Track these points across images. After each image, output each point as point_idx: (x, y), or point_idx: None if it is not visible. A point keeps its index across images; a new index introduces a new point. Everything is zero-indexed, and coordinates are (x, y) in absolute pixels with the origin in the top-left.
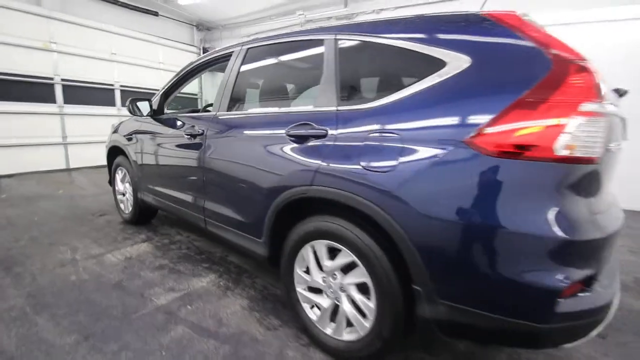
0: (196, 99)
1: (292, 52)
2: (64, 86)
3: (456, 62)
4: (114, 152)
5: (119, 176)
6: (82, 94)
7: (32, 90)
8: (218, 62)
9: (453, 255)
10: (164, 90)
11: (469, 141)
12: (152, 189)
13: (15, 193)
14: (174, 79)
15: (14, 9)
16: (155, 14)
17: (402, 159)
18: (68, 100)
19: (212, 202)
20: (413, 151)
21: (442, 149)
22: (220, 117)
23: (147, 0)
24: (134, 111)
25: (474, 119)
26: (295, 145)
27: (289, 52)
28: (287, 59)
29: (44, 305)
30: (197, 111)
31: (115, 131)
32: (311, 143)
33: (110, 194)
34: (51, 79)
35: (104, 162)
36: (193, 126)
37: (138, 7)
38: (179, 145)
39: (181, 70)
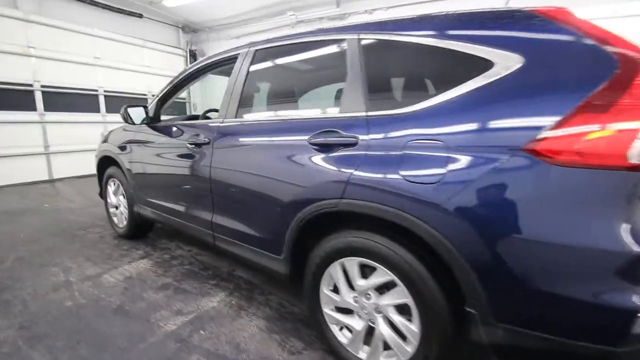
0: (184, 103)
1: (308, 54)
2: (44, 93)
3: (506, 62)
4: (105, 163)
5: (111, 188)
6: (64, 100)
7: (10, 97)
8: (221, 65)
9: (514, 274)
10: (160, 96)
11: (529, 148)
12: (151, 202)
13: None
14: (171, 84)
15: None
16: (140, 16)
17: (450, 169)
18: (49, 107)
19: (222, 216)
20: (462, 160)
21: (496, 156)
22: (228, 125)
23: (131, 2)
24: (128, 119)
25: (534, 123)
26: (320, 154)
27: (304, 54)
28: (301, 61)
29: (39, 337)
30: (197, 118)
31: (105, 140)
32: (339, 152)
33: (101, 206)
34: (30, 85)
35: (90, 171)
36: (197, 135)
37: (121, 9)
38: (181, 156)
39: (179, 75)
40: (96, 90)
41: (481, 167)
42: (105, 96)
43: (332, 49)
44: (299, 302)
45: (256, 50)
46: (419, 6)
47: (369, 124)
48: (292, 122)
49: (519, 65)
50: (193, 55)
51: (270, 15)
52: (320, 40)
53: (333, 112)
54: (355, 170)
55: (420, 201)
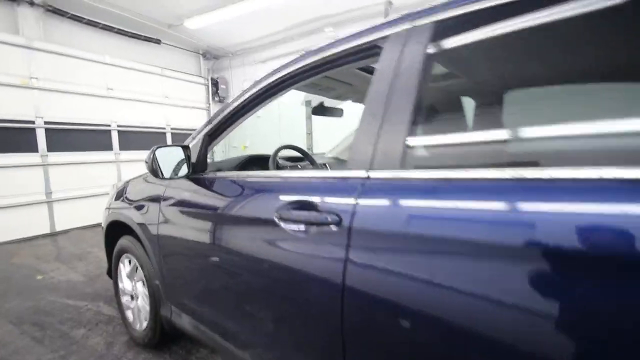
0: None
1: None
2: (47, 130)
3: None
4: (117, 229)
5: (124, 268)
6: (70, 138)
7: (6, 137)
8: (332, 65)
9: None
10: (208, 128)
11: None
12: (193, 308)
13: None
14: (228, 111)
15: None
16: (158, 42)
17: None
18: (53, 147)
19: None
20: None
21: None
22: (390, 182)
23: (149, 25)
24: (159, 171)
25: None
26: None
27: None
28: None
29: None
30: (262, 162)
31: (119, 197)
32: None
33: (110, 281)
34: (32, 122)
35: (98, 219)
36: (302, 204)
37: (137, 35)
38: (267, 242)
39: (245, 92)
40: (108, 125)
41: None
42: (119, 131)
43: None
44: None
45: (436, 22)
46: None
47: None
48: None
49: None
50: (215, 84)
51: (305, 34)
52: None
53: None
54: None
55: None
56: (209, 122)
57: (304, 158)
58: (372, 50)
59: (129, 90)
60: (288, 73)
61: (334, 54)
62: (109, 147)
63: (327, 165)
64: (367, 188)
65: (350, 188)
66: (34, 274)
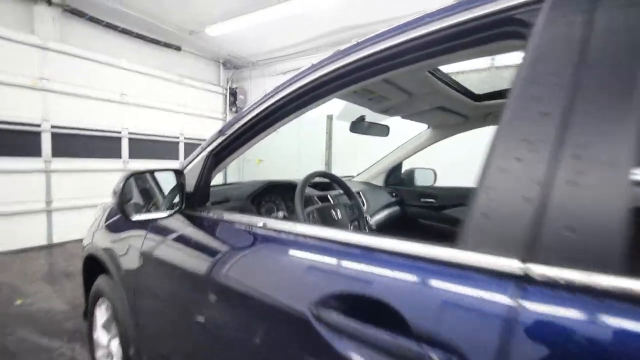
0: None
1: None
2: (54, 134)
3: None
4: (94, 265)
5: (100, 316)
6: (77, 143)
7: (9, 140)
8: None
9: None
10: (214, 145)
11: None
12: None
13: None
14: (243, 122)
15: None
16: (178, 49)
17: None
18: (58, 152)
19: None
20: None
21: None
22: (592, 292)
23: (170, 31)
24: (126, 212)
25: None
26: None
27: None
28: None
29: None
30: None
31: (108, 219)
32: None
33: None
34: (38, 125)
35: None
36: (391, 313)
37: (157, 40)
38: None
39: (265, 100)
40: (119, 132)
41: None
42: (129, 139)
43: None
44: None
45: None
46: None
47: None
48: None
49: None
50: (233, 94)
51: (330, 45)
52: None
53: None
54: None
55: None
56: (216, 136)
57: (336, 187)
58: (501, 28)
59: (144, 97)
60: (335, 70)
61: (420, 38)
62: (117, 154)
63: (362, 195)
64: (525, 310)
65: (483, 300)
66: (14, 297)
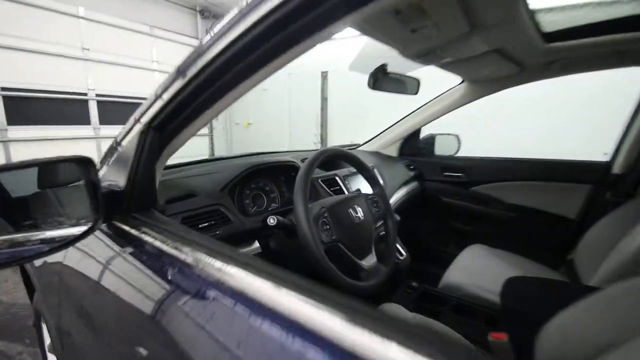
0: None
1: None
2: (5, 99)
3: None
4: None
5: (47, 336)
6: (36, 108)
7: None
8: None
9: None
10: (153, 112)
11: None
12: None
13: None
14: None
15: None
16: None
17: None
18: (13, 119)
19: None
20: None
21: None
22: None
23: None
24: None
25: None
26: None
27: None
28: None
29: None
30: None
31: None
32: None
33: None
34: None
35: None
36: None
37: None
38: None
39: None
40: (85, 94)
41: None
42: (98, 102)
43: None
44: None
45: None
46: None
47: None
48: None
49: None
50: None
51: None
52: None
53: None
54: None
55: None
56: (156, 97)
57: (343, 163)
58: None
59: (110, 52)
60: None
61: None
62: (86, 120)
63: (377, 171)
64: None
65: None
66: None
